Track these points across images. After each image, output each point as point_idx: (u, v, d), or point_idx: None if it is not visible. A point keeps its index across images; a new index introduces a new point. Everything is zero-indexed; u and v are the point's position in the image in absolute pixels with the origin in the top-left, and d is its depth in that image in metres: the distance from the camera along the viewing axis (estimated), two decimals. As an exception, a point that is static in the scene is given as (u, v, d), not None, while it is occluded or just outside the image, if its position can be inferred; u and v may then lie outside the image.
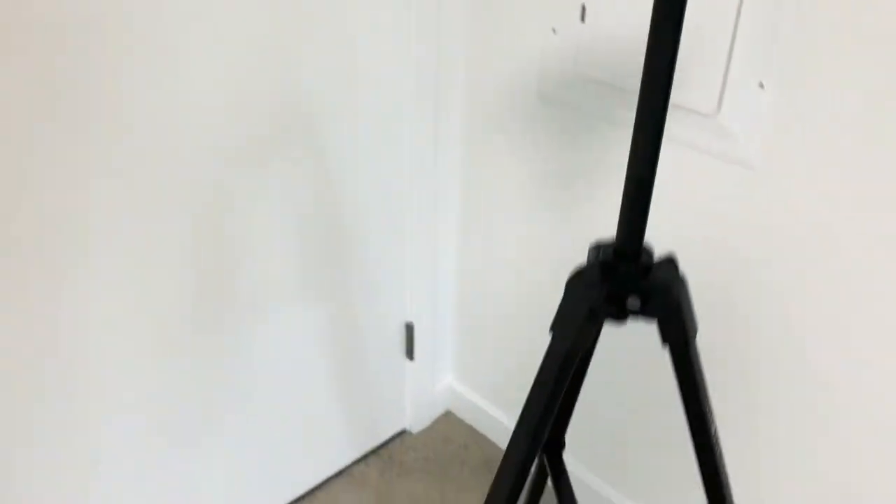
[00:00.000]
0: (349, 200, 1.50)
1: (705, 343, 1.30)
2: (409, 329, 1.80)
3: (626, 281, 0.71)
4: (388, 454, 1.91)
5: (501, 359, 1.83)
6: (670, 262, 0.74)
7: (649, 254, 0.74)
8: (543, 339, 1.70)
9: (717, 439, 0.79)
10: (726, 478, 0.80)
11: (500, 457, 1.92)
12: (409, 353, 1.83)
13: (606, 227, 1.44)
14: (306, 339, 1.56)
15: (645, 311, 0.71)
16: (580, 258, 1.51)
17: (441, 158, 1.63)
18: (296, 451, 1.69)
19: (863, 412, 1.17)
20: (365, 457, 1.90)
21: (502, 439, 1.93)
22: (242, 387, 1.48)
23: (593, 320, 0.71)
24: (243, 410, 1.51)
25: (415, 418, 1.95)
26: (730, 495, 0.79)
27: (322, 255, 1.50)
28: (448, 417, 2.03)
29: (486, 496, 0.74)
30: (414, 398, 1.91)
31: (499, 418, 1.90)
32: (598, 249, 0.73)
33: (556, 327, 0.71)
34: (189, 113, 1.18)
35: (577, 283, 0.72)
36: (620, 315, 0.72)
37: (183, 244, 1.26)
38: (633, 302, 0.70)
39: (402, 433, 1.97)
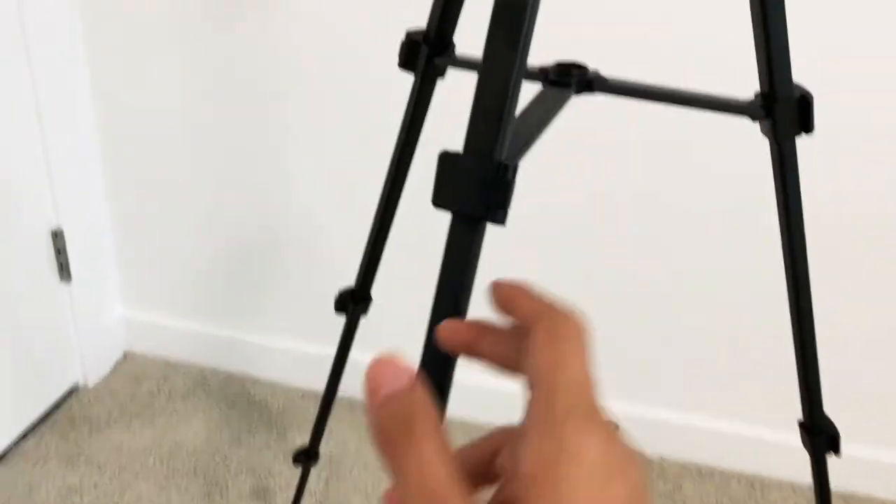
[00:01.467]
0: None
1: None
2: (58, 237, 1.36)
3: None
4: (66, 417, 1.43)
5: (176, 258, 1.49)
6: None
7: None
8: (221, 219, 1.42)
9: None
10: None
11: (213, 375, 1.57)
12: (64, 270, 1.39)
13: (291, 45, 1.23)
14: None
15: None
16: (263, 97, 1.28)
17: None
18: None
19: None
20: (34, 427, 1.39)
21: (209, 356, 1.58)
22: None
23: None
24: None
25: (89, 367, 1.50)
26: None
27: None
28: (130, 359, 1.60)
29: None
30: (82, 336, 1.47)
31: (196, 330, 1.55)
32: None
33: None
34: None
35: None
36: None
37: None
38: None
39: (75, 390, 1.49)
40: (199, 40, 1.28)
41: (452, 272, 0.42)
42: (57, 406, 1.45)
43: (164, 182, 1.42)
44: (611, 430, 0.23)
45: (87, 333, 1.48)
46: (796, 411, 0.76)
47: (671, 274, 1.30)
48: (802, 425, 0.75)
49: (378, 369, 0.25)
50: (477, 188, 0.41)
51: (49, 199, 1.33)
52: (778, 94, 0.56)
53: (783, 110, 0.57)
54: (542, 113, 0.52)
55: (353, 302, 0.86)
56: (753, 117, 0.58)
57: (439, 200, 0.41)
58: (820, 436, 0.73)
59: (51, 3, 1.23)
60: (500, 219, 0.41)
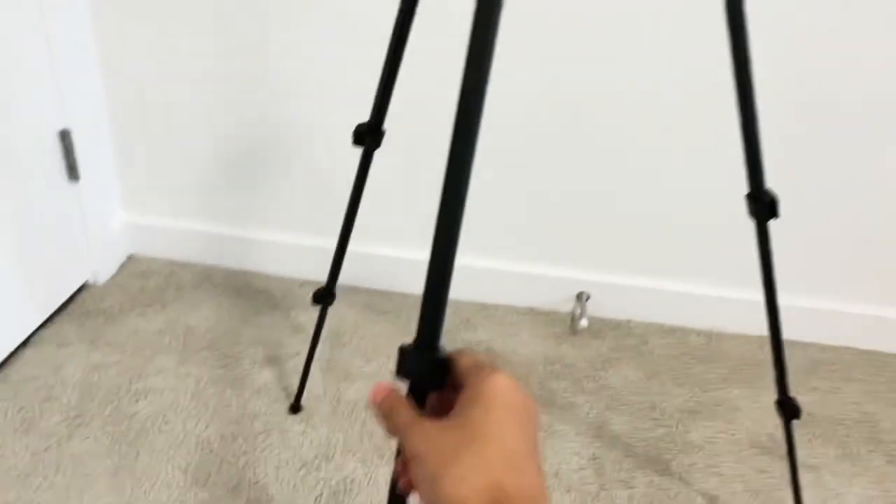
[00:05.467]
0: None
1: None
2: (66, 137, 1.45)
3: None
4: (80, 310, 1.53)
5: (174, 160, 1.59)
6: None
7: None
8: (218, 118, 1.51)
9: None
10: None
11: (216, 271, 1.67)
12: (72, 170, 1.48)
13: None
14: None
15: None
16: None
17: None
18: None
19: None
20: (51, 318, 1.49)
21: (211, 255, 1.68)
22: None
23: None
24: None
25: (98, 263, 1.59)
26: None
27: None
28: (135, 261, 1.70)
29: None
30: (90, 235, 1.56)
31: (197, 230, 1.66)
32: None
33: None
34: None
35: None
36: None
37: None
38: None
39: (86, 286, 1.59)
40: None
41: None
42: (70, 301, 1.54)
43: (164, 82, 1.50)
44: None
45: (96, 233, 1.57)
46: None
47: (634, 146, 1.44)
48: (749, 196, 0.90)
49: (375, 387, 0.50)
50: (426, 371, 0.54)
51: (56, 100, 1.41)
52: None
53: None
54: None
55: (370, 134, 0.98)
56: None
57: (401, 372, 0.54)
58: (762, 201, 0.89)
59: None
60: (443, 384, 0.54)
